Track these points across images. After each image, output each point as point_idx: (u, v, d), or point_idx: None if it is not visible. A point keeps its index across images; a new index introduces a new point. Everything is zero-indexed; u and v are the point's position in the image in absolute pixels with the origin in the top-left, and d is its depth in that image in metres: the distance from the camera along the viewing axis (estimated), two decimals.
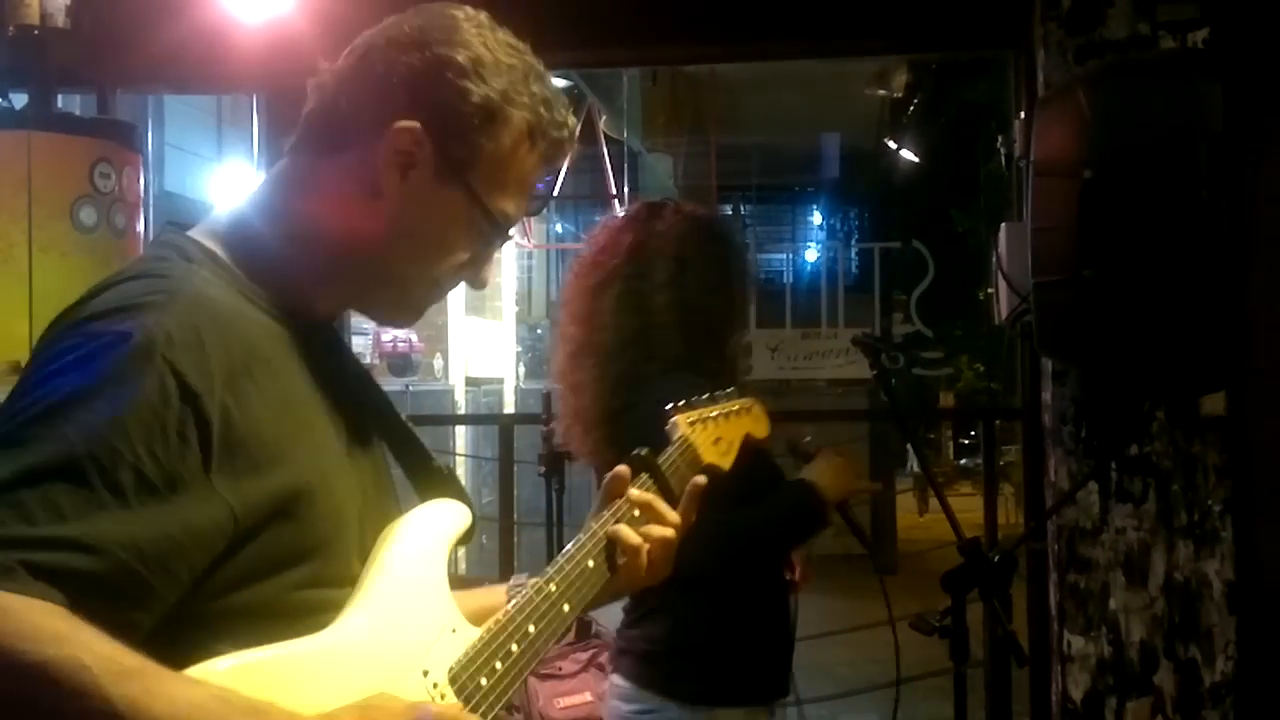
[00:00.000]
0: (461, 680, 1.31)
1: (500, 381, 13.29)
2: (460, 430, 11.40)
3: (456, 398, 12.12)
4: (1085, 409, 3.45)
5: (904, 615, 2.48)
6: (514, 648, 1.36)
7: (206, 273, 1.27)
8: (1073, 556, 3.44)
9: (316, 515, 1.25)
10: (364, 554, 1.32)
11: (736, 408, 1.98)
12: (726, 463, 1.88)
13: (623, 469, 1.61)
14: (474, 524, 1.46)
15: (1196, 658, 3.39)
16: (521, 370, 14.62)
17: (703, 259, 2.49)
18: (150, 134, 4.59)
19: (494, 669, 1.34)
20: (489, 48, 1.34)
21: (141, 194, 3.76)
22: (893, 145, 14.51)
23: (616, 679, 2.52)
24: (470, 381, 12.46)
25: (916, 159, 14.43)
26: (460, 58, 1.31)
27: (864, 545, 2.63)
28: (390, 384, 10.78)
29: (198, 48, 3.69)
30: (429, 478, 1.50)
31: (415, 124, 1.30)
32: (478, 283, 1.44)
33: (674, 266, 2.47)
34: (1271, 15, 3.40)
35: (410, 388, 10.81)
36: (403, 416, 1.54)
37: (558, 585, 1.45)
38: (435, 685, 1.29)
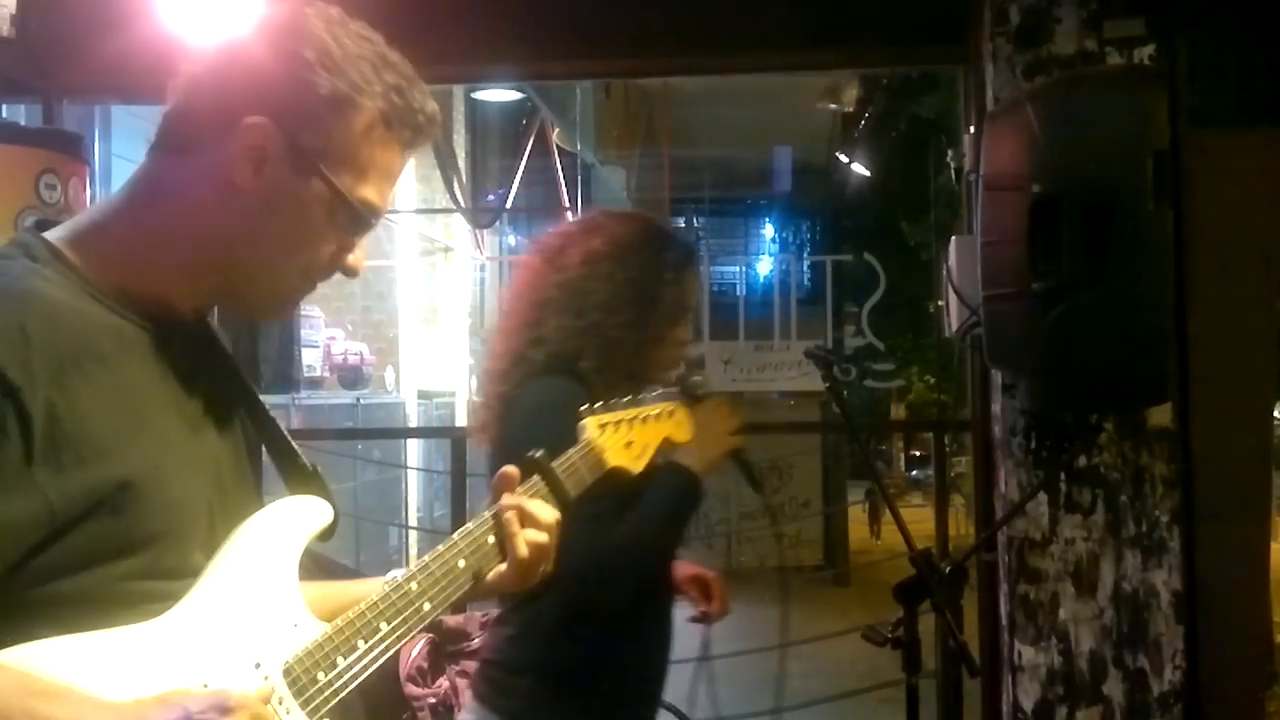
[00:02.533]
0: (296, 674, 1.34)
1: (452, 394, 13.23)
2: (412, 443, 11.34)
3: (408, 411, 12.06)
4: (1034, 421, 3.47)
5: (856, 626, 2.49)
6: (360, 644, 1.39)
7: (50, 272, 1.31)
8: (1023, 567, 3.46)
9: (147, 509, 1.28)
10: (212, 548, 1.36)
11: (656, 411, 1.95)
12: (637, 466, 1.86)
13: (510, 469, 1.61)
14: (335, 521, 1.48)
15: (1145, 667, 3.42)
16: (474, 383, 14.56)
17: (643, 274, 2.40)
18: (97, 145, 4.55)
19: (334, 664, 1.37)
20: (336, 40, 1.36)
21: (88, 205, 3.71)
22: (844, 159, 14.62)
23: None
24: (422, 394, 12.41)
25: (868, 173, 14.53)
26: (306, 51, 1.34)
27: (756, 491, 2.49)
28: (340, 397, 10.71)
29: (145, 58, 3.64)
30: (296, 476, 1.53)
31: (264, 119, 1.33)
32: (349, 271, 1.46)
33: (612, 268, 2.39)
34: (1215, 32, 3.46)
35: (361, 400, 10.74)
36: (272, 416, 1.56)
37: (419, 584, 1.47)
38: (266, 678, 1.32)
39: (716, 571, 2.61)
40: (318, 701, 1.35)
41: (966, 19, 3.69)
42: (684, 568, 2.58)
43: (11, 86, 3.70)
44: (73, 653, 1.22)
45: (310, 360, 10.48)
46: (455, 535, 1.54)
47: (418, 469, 10.85)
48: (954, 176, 3.97)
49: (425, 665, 3.44)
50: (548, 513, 1.58)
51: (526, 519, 1.56)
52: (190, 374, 1.40)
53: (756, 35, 3.95)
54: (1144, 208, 2.88)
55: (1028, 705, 3.45)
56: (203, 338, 1.47)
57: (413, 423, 11.92)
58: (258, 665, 1.33)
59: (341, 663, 1.38)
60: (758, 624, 2.61)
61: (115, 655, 1.24)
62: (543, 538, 1.56)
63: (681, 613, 2.56)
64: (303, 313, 9.42)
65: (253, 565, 1.38)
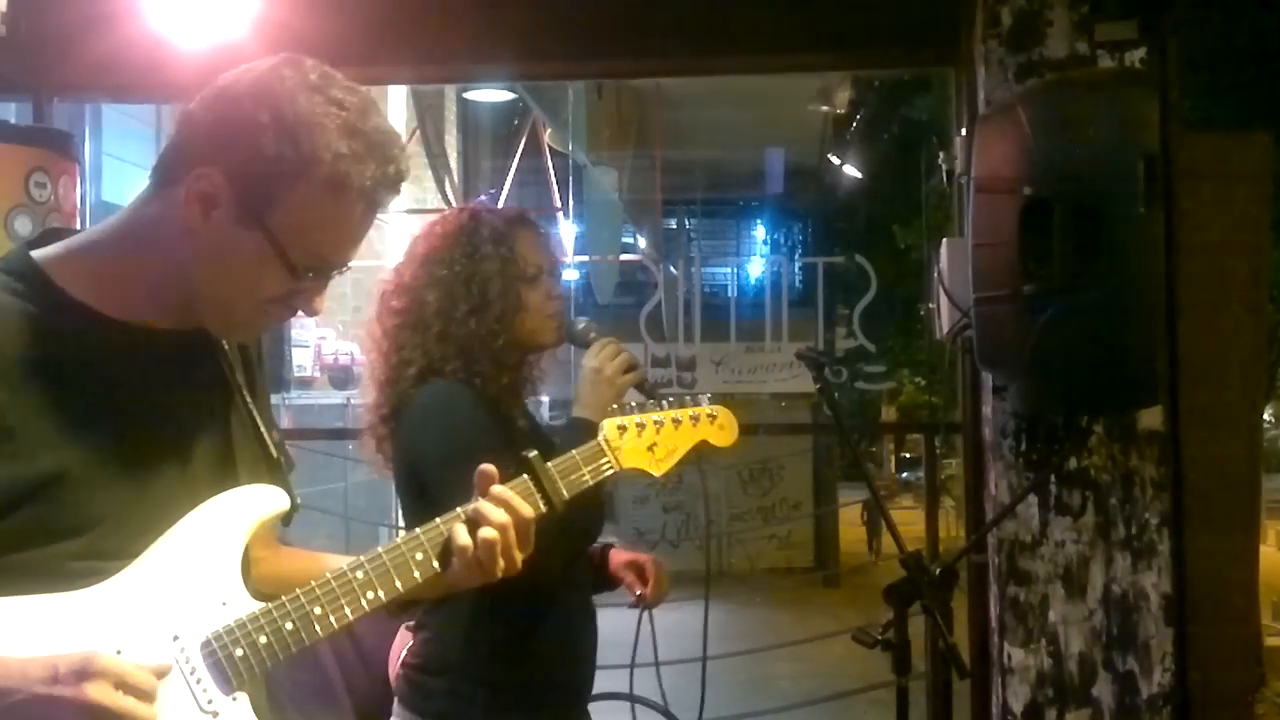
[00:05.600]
0: (213, 648, 1.44)
1: None
2: None
3: None
4: (1025, 423, 3.48)
5: (847, 628, 2.48)
6: (288, 625, 1.48)
7: (21, 285, 1.45)
8: (1013, 569, 3.47)
9: (84, 498, 1.41)
10: (162, 531, 1.47)
11: (692, 414, 1.94)
12: (659, 469, 1.88)
13: (489, 467, 1.64)
14: (292, 508, 1.59)
15: (1134, 669, 3.42)
16: None
17: (463, 263, 2.39)
18: (87, 143, 4.53)
19: (255, 642, 1.46)
20: (298, 103, 1.44)
21: (78, 204, 3.70)
22: (836, 161, 14.61)
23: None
24: None
25: (859, 174, 14.52)
26: (262, 113, 1.43)
27: (653, 398, 2.14)
28: (331, 397, 10.69)
29: (135, 56, 3.64)
30: (259, 468, 1.63)
31: (215, 170, 1.44)
32: (309, 311, 1.57)
33: (435, 270, 2.40)
34: (1206, 36, 3.47)
35: (351, 400, 10.71)
36: (252, 411, 1.65)
37: (366, 573, 1.54)
38: (183, 650, 1.43)
39: (653, 556, 2.61)
40: (232, 674, 1.44)
41: (958, 21, 3.70)
42: (619, 554, 2.59)
43: (2, 84, 3.69)
44: None
45: (301, 360, 10.48)
46: (418, 529, 1.60)
47: None
48: (945, 179, 3.96)
49: None
50: (499, 514, 1.61)
51: (479, 517, 1.61)
52: (162, 378, 1.52)
53: (749, 37, 3.95)
54: (1134, 211, 2.88)
55: (1017, 707, 3.46)
56: (185, 345, 1.55)
57: None
58: (176, 637, 1.43)
59: (264, 641, 1.46)
60: (748, 625, 2.60)
61: (31, 619, 1.36)
62: (492, 535, 1.60)
63: (620, 600, 2.55)
64: None
65: (190, 547, 1.47)
